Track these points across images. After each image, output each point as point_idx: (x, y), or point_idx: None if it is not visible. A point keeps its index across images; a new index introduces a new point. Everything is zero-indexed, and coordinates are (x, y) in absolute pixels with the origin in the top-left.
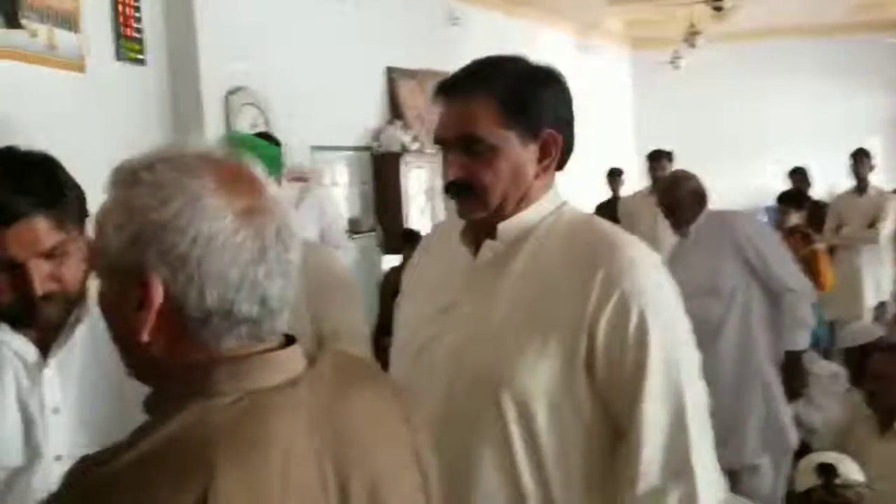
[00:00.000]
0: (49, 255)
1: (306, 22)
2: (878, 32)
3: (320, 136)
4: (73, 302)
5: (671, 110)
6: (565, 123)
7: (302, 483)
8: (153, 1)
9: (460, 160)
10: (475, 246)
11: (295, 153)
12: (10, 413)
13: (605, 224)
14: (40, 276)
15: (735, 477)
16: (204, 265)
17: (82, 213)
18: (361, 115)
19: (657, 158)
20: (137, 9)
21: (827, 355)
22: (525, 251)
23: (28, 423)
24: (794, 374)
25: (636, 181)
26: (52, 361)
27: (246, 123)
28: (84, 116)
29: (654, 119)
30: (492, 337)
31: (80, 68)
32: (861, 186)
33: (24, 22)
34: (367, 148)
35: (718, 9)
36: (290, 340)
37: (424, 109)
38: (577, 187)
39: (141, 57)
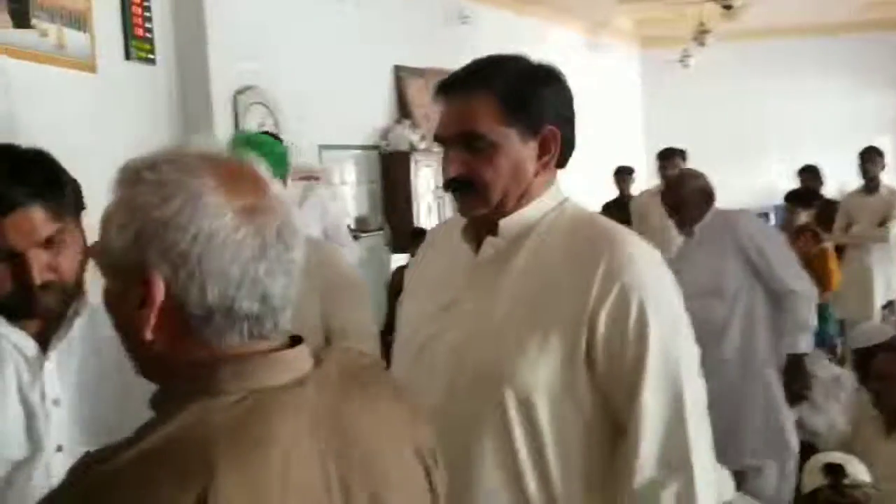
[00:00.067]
0: (47, 245)
1: (315, 21)
2: (887, 31)
3: (329, 135)
4: (70, 293)
5: (680, 109)
6: (566, 121)
7: (303, 484)
8: (163, 1)
9: (461, 157)
10: (477, 243)
11: (303, 152)
12: (11, 405)
13: (606, 220)
14: (39, 265)
15: (741, 477)
16: (204, 262)
17: (78, 205)
18: (370, 114)
19: (669, 157)
20: (147, 8)
21: (835, 354)
22: (526, 248)
23: (29, 416)
24: (795, 377)
25: (645, 180)
26: (52, 354)
27: (254, 123)
28: (94, 116)
29: (663, 118)
30: (493, 334)
31: (91, 68)
32: (871, 185)
33: (34, 21)
34: (375, 147)
35: (728, 7)
36: (296, 340)
37: (432, 108)
38: (586, 186)
39: (151, 56)
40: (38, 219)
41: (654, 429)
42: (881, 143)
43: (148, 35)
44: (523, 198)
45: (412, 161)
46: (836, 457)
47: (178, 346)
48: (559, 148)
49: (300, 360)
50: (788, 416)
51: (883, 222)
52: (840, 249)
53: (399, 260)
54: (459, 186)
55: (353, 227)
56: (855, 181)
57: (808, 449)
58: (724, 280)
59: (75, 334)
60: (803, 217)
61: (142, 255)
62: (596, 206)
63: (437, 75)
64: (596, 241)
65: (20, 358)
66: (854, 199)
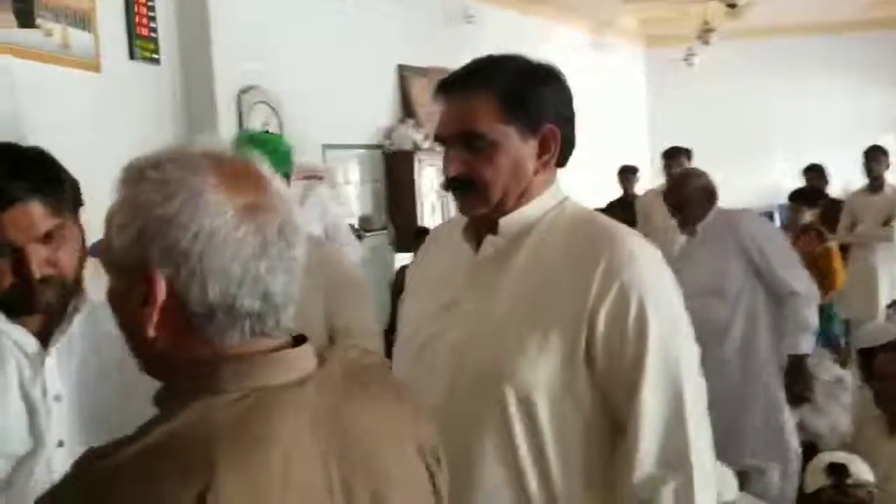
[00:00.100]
0: (45, 240)
1: (318, 21)
2: (891, 30)
3: (332, 134)
4: (69, 289)
5: (684, 108)
6: (565, 120)
7: (304, 483)
8: (167, 0)
9: (461, 156)
10: (477, 242)
11: (307, 152)
12: (13, 402)
13: (606, 219)
14: (38, 260)
15: (744, 477)
16: (206, 260)
17: (77, 202)
18: (373, 113)
19: (674, 155)
20: (151, 8)
21: (840, 353)
22: (526, 246)
23: (31, 412)
24: (796, 379)
25: (649, 179)
26: (53, 351)
27: (258, 122)
28: (98, 115)
29: (668, 117)
30: (493, 333)
31: (96, 67)
32: (876, 184)
33: (38, 21)
34: (378, 146)
35: (732, 6)
36: (300, 340)
37: (436, 108)
38: (590, 185)
39: (155, 56)
40: (37, 213)
41: (654, 426)
42: (886, 141)
43: (152, 35)
44: (523, 196)
45: (416, 160)
46: (840, 456)
47: (181, 343)
48: (559, 147)
49: (303, 359)
50: (789, 418)
51: (887, 221)
52: (844, 249)
53: (403, 259)
54: (459, 186)
55: (356, 226)
56: (859, 180)
57: (810, 449)
58: (726, 280)
59: (75, 331)
60: (808, 216)
61: (144, 253)
62: (600, 205)
63: (440, 75)
64: (596, 239)
65: (21, 354)
66: (858, 198)
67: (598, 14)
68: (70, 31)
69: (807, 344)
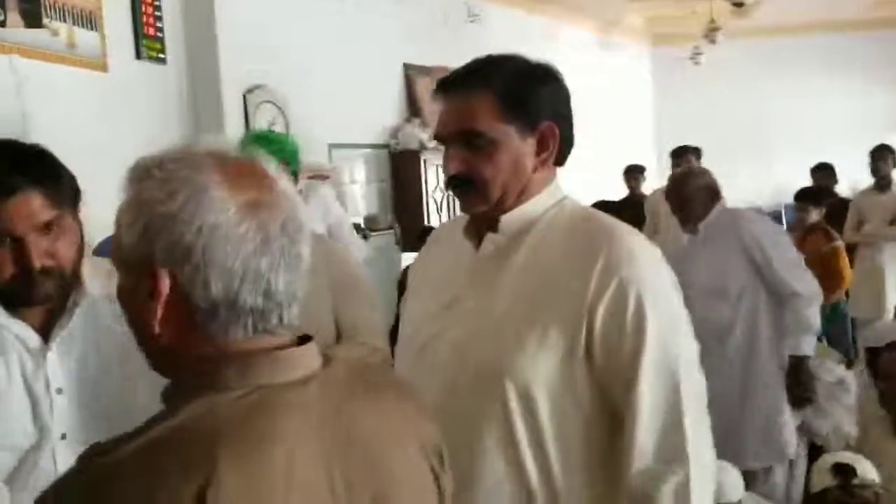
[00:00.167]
0: (45, 230)
1: (324, 20)
2: None
3: (338, 133)
4: (68, 281)
5: (691, 107)
6: (563, 118)
7: (307, 482)
8: (173, 0)
9: (461, 155)
10: (478, 240)
11: (313, 151)
12: (16, 395)
13: (605, 216)
14: (38, 250)
15: (751, 477)
16: (208, 256)
17: (75, 197)
18: (379, 112)
19: (682, 154)
20: (158, 8)
21: (847, 353)
22: (526, 244)
23: (35, 405)
24: (798, 380)
25: (655, 178)
26: (54, 345)
27: (264, 122)
28: (105, 115)
29: (674, 115)
30: (493, 330)
31: (103, 67)
32: (882, 183)
33: (45, 21)
34: (384, 145)
35: (738, 5)
36: (305, 339)
37: None
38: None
39: (161, 56)
40: (37, 204)
41: (651, 421)
42: (892, 140)
43: (158, 34)
44: (523, 194)
45: (422, 160)
46: (846, 457)
47: (185, 340)
48: (557, 145)
49: (308, 357)
50: (788, 419)
51: (894, 221)
52: (851, 248)
53: (409, 259)
54: (459, 184)
55: (362, 225)
56: (866, 179)
57: (816, 450)
58: (728, 280)
59: (75, 324)
60: (814, 216)
61: (149, 249)
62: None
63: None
64: (595, 235)
65: (22, 348)
66: (865, 197)
67: (605, 13)
68: (76, 31)
69: (808, 345)
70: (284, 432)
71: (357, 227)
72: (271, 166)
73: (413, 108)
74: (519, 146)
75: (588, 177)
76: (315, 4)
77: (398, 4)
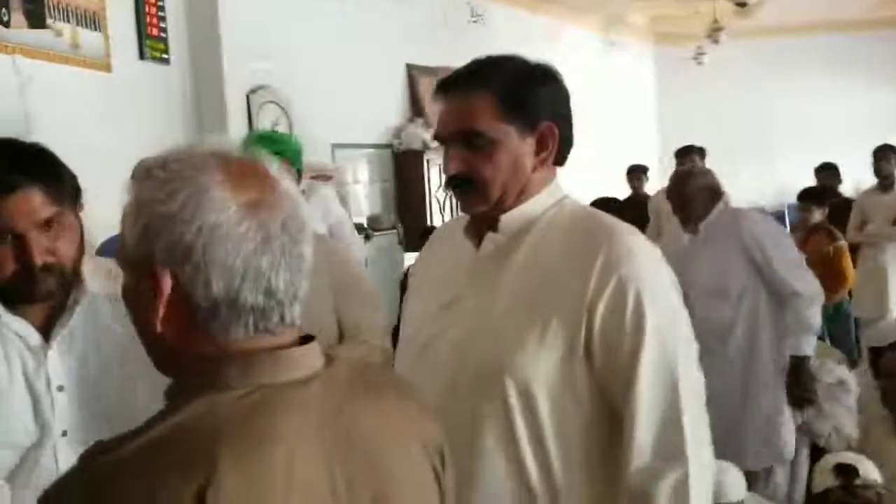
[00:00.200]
0: (46, 227)
1: (327, 20)
2: None
3: (341, 133)
4: (68, 279)
5: (694, 106)
6: (562, 118)
7: (307, 482)
8: (177, 1)
9: (461, 155)
10: (478, 239)
11: (316, 151)
12: (17, 392)
13: (604, 215)
14: (39, 247)
15: (753, 477)
16: (209, 255)
17: (75, 196)
18: (382, 112)
19: (686, 154)
20: (161, 8)
21: (851, 354)
22: (526, 243)
23: (36, 402)
24: (798, 380)
25: (658, 177)
26: (55, 342)
27: (268, 122)
28: (109, 115)
29: (677, 115)
30: (493, 330)
31: (106, 68)
32: (886, 183)
33: (49, 22)
34: (388, 145)
35: (742, 5)
36: (307, 339)
37: None
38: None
39: (165, 56)
40: (38, 200)
41: (650, 419)
42: (895, 140)
43: (162, 35)
44: (522, 194)
45: (425, 160)
46: (848, 457)
47: (188, 339)
48: (557, 145)
49: (310, 357)
50: (787, 420)
51: None
52: (854, 248)
53: (412, 259)
54: (459, 184)
55: (365, 225)
56: (870, 179)
57: (818, 450)
58: (729, 280)
59: (76, 322)
60: (817, 216)
61: (150, 248)
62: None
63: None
64: (595, 234)
65: (23, 346)
66: (868, 197)
67: (607, 12)
68: (80, 32)
69: (808, 345)
70: (285, 432)
71: (360, 227)
72: (273, 166)
73: (416, 108)
74: (518, 146)
75: (591, 177)
76: (318, 5)
77: (401, 4)
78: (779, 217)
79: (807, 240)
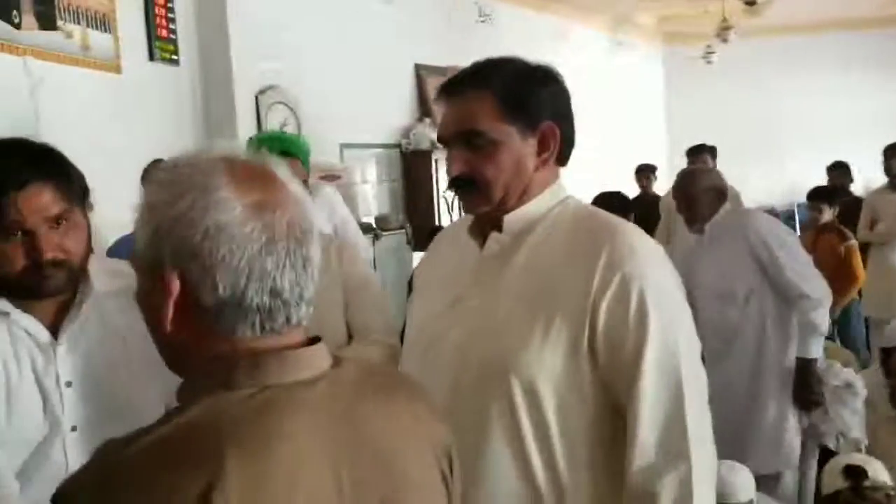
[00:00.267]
0: (55, 224)
1: (335, 21)
2: None
3: (350, 133)
4: (76, 276)
5: (703, 106)
6: (564, 119)
7: (313, 482)
8: (186, 2)
9: (463, 155)
10: (483, 239)
11: (325, 151)
12: (27, 389)
13: (607, 214)
14: (49, 243)
15: (762, 480)
16: (215, 255)
17: (84, 193)
18: (391, 112)
19: (697, 153)
20: (171, 10)
21: (861, 354)
22: (530, 243)
23: (45, 399)
24: (805, 383)
25: (666, 177)
26: (64, 338)
27: (276, 122)
28: (119, 116)
29: (686, 115)
30: (496, 329)
31: (116, 69)
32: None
33: (59, 23)
34: (396, 145)
35: (750, 3)
36: (316, 340)
37: None
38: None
39: (174, 57)
40: (48, 197)
41: (653, 417)
42: None
43: (171, 36)
44: (525, 194)
45: (433, 159)
46: (857, 458)
47: (197, 339)
48: (558, 145)
49: (317, 358)
50: (793, 423)
51: None
52: (864, 248)
53: (420, 258)
54: (463, 185)
55: (374, 225)
56: (880, 178)
57: (827, 453)
58: (736, 283)
59: (83, 319)
60: (827, 215)
61: (159, 250)
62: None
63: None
64: (597, 232)
65: (32, 343)
66: (879, 196)
67: (615, 12)
68: (90, 33)
69: (815, 348)
70: (292, 431)
71: (368, 226)
72: (281, 169)
73: (424, 107)
74: (520, 146)
75: (599, 176)
76: (326, 6)
77: (409, 5)
78: (789, 216)
79: (817, 239)
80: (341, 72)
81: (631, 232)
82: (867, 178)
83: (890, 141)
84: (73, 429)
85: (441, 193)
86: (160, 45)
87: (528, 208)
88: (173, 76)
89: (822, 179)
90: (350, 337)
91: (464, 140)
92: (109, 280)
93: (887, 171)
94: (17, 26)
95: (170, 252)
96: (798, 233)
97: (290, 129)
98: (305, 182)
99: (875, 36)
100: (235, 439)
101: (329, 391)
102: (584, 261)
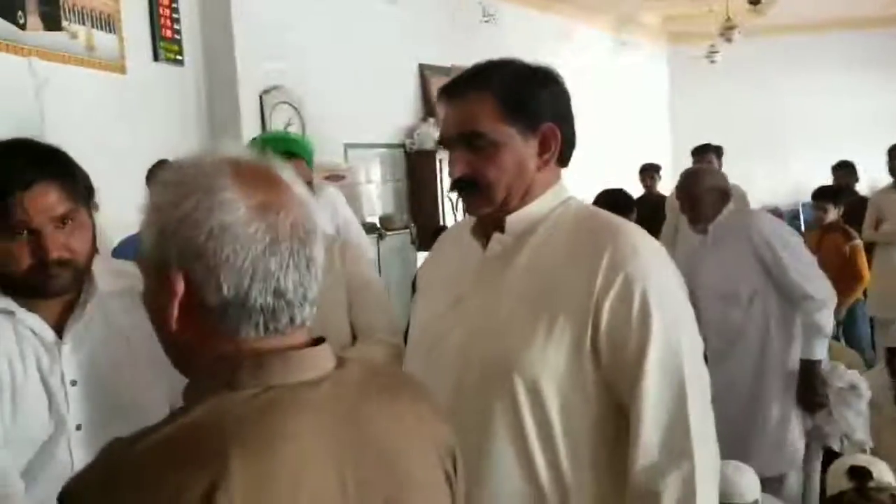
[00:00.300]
0: (61, 223)
1: (340, 21)
2: None
3: (354, 133)
4: (81, 276)
5: (707, 105)
6: (564, 119)
7: (317, 482)
8: (190, 2)
9: (465, 157)
10: (485, 240)
11: (329, 151)
12: (33, 388)
13: (609, 214)
14: (54, 242)
15: (766, 480)
16: (219, 256)
17: (89, 194)
18: (395, 112)
19: (703, 153)
20: (175, 10)
21: (866, 354)
22: (532, 243)
23: (50, 398)
24: (809, 385)
25: (671, 177)
26: (68, 337)
27: (281, 122)
28: (123, 116)
29: (690, 114)
30: (499, 329)
31: (120, 69)
32: None
33: (64, 24)
34: (400, 145)
35: (755, 2)
36: (319, 340)
37: None
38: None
39: (179, 58)
40: (54, 197)
41: (656, 416)
42: None
43: (176, 37)
44: (527, 195)
45: (437, 159)
46: (861, 459)
47: (202, 339)
48: (559, 146)
49: (321, 358)
50: (796, 425)
51: None
52: (868, 247)
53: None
54: (465, 186)
55: (378, 225)
56: (885, 178)
57: (831, 454)
58: (740, 284)
59: (88, 318)
60: (832, 214)
61: (164, 251)
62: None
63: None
64: (599, 233)
65: (37, 343)
66: (883, 195)
67: (619, 12)
68: (95, 34)
69: (820, 349)
70: (295, 431)
71: (373, 226)
72: (285, 170)
73: (428, 107)
74: (521, 147)
75: (603, 176)
76: (331, 6)
77: (413, 5)
78: (793, 216)
79: (822, 239)
80: (345, 72)
81: (633, 232)
82: (872, 177)
83: (894, 140)
84: (78, 428)
85: (445, 193)
86: (164, 45)
87: (530, 209)
88: (178, 76)
89: (826, 179)
90: (354, 337)
91: (465, 142)
92: (113, 280)
93: (892, 170)
94: (22, 27)
95: (175, 253)
96: (803, 232)
97: (295, 129)
98: (310, 182)
99: (879, 35)
100: (239, 439)
101: (333, 391)
102: (587, 261)
